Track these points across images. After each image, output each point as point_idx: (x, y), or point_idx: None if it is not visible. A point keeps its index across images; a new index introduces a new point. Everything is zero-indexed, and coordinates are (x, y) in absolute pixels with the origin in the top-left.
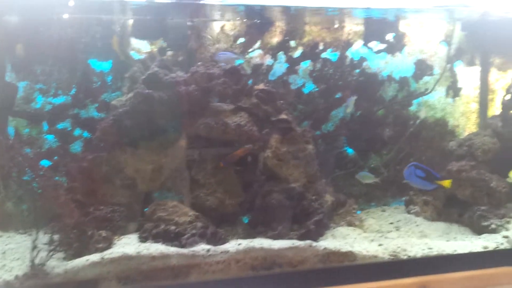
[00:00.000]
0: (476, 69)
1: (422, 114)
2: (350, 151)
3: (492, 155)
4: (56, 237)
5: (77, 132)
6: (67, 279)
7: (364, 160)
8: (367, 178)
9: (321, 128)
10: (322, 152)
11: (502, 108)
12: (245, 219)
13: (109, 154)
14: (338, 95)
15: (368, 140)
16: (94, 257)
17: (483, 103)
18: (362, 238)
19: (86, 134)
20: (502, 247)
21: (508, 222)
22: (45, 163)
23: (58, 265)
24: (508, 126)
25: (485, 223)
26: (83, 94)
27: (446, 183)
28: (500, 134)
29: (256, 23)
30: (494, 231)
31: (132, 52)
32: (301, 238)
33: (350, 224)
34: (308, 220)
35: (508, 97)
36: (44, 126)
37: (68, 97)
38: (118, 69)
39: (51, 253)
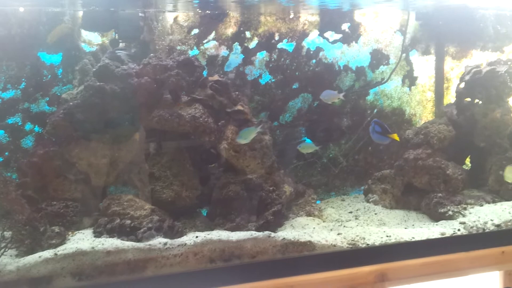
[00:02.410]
0: (431, 58)
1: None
2: (308, 141)
3: (448, 142)
4: (7, 234)
5: (28, 126)
6: (20, 276)
7: (322, 150)
8: (308, 148)
9: (278, 119)
10: (280, 143)
11: (457, 96)
12: (204, 212)
13: (61, 149)
14: (295, 85)
15: (326, 130)
16: (47, 253)
17: (439, 91)
18: (321, 228)
19: (37, 128)
20: (459, 233)
21: (464, 209)
22: None
23: (10, 262)
24: (463, 113)
25: (442, 210)
26: (33, 88)
27: (395, 136)
28: (455, 122)
29: (210, 13)
30: (451, 217)
31: (83, 44)
32: (259, 229)
33: (309, 214)
34: (266, 211)
35: (462, 85)
36: None
37: (17, 91)
38: (68, 62)
39: (2, 250)
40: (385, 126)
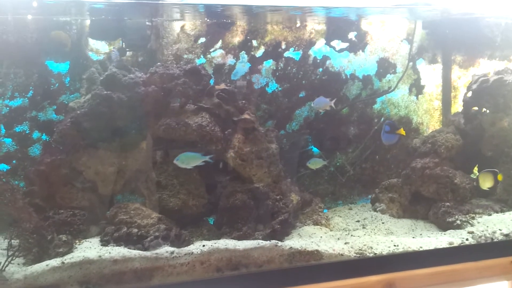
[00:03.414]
0: (438, 67)
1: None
2: (315, 150)
3: (455, 151)
4: (15, 242)
5: (36, 135)
6: (27, 285)
7: (329, 159)
8: (317, 163)
9: (285, 127)
10: (287, 152)
11: (464, 105)
12: (211, 220)
13: (68, 157)
14: (302, 94)
15: (333, 139)
16: (55, 261)
17: (446, 100)
18: (329, 237)
19: (44, 137)
20: (467, 242)
21: (473, 218)
22: (2, 167)
23: (18, 270)
24: (471, 122)
25: (450, 219)
26: (41, 96)
27: (401, 131)
28: (462, 131)
29: (217, 22)
30: (459, 227)
31: (90, 53)
32: (266, 238)
33: (316, 223)
34: (273, 219)
35: (469, 94)
36: (1, 129)
37: (25, 99)
38: (76, 71)
39: (10, 258)
40: (394, 124)
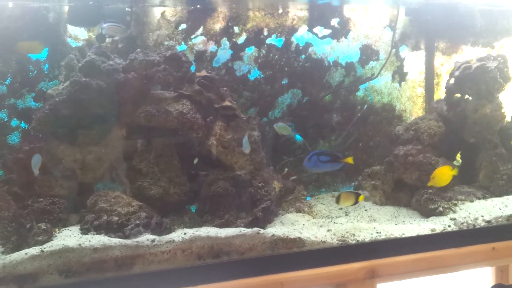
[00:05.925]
0: (421, 54)
1: None
2: (298, 137)
3: (438, 138)
4: None
5: (14, 122)
6: (6, 273)
7: (312, 146)
8: (284, 129)
9: (268, 115)
10: (270, 139)
11: (447, 92)
12: (193, 208)
13: (47, 145)
14: (285, 81)
15: (316, 126)
16: (34, 250)
17: (429, 87)
18: (311, 224)
19: (23, 124)
20: (449, 229)
21: (455, 205)
22: None
23: None
24: (453, 109)
25: (433, 206)
26: (19, 84)
27: (349, 159)
28: (445, 118)
29: (198, 8)
30: (441, 213)
31: (69, 39)
32: (248, 225)
33: (299, 210)
34: (255, 207)
35: (452, 81)
36: None
37: (3, 86)
38: (54, 57)
39: None
40: (334, 154)
